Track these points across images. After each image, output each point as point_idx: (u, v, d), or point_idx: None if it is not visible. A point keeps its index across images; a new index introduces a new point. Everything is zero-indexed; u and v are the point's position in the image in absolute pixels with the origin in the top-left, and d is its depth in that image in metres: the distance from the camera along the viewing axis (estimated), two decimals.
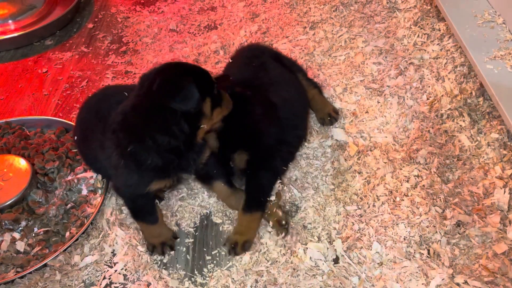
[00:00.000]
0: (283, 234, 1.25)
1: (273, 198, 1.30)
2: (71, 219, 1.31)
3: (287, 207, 1.34)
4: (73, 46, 2.01)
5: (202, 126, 1.12)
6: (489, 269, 1.14)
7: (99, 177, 1.40)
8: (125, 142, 1.09)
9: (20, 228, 1.29)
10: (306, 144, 1.50)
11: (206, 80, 1.13)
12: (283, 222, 1.26)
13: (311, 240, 1.24)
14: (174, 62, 1.23)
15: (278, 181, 1.34)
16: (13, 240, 1.27)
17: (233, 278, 1.19)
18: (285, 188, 1.38)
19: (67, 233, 1.28)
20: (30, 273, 1.19)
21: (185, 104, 1.06)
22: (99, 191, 1.38)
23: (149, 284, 1.18)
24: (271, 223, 1.27)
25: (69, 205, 1.34)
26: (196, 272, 1.22)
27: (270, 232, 1.28)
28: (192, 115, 1.09)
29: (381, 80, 1.68)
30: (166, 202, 1.37)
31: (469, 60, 1.61)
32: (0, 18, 2.11)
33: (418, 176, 1.36)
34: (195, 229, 1.31)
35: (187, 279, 1.20)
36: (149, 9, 2.20)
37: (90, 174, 1.40)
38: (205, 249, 1.26)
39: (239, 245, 1.22)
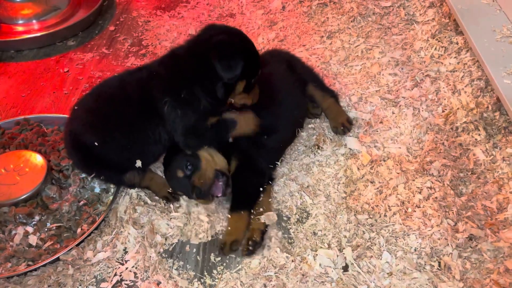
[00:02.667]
0: (245, 253, 1.25)
1: (263, 219, 1.30)
2: (83, 216, 1.33)
3: (297, 214, 1.34)
4: (94, 47, 2.05)
5: (229, 99, 1.27)
6: (500, 284, 1.13)
7: None
8: (177, 88, 1.23)
9: (34, 223, 1.32)
10: (319, 151, 1.51)
11: (253, 63, 1.25)
12: (250, 243, 1.25)
13: (321, 247, 1.24)
14: (238, 32, 1.28)
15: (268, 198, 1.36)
16: (26, 234, 1.29)
17: (241, 281, 1.19)
18: (296, 194, 1.39)
19: (79, 230, 1.30)
20: (44, 265, 1.21)
21: (225, 72, 1.19)
22: (112, 190, 1.40)
23: (159, 283, 1.19)
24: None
25: (81, 202, 1.36)
26: (205, 273, 1.22)
27: (277, 238, 1.29)
28: (227, 85, 1.22)
29: (397, 91, 1.68)
30: (180, 206, 1.38)
31: (486, 74, 1.61)
32: (25, 17, 2.17)
33: (431, 188, 1.36)
34: (207, 228, 1.32)
35: (196, 279, 1.21)
36: (169, 14, 2.24)
37: None
38: (215, 251, 1.27)
39: (227, 245, 1.25)
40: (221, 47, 1.20)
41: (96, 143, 1.27)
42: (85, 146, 1.28)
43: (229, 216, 1.30)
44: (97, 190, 1.40)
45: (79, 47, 2.06)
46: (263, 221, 1.29)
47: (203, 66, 1.20)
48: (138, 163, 1.31)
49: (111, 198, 1.37)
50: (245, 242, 1.26)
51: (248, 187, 1.34)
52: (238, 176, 1.33)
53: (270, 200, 1.37)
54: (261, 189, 1.34)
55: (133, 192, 1.39)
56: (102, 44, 2.07)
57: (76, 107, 1.34)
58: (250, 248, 1.25)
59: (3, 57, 2.01)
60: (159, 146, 1.32)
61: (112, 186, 1.41)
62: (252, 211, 1.31)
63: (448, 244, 1.23)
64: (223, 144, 1.34)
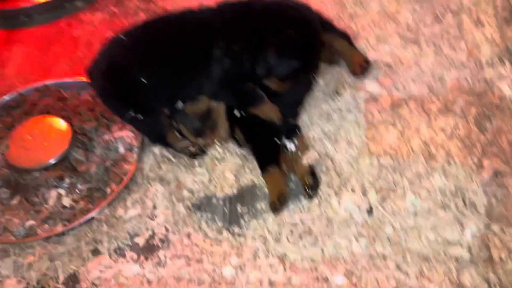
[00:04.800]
0: (308, 198, 1.27)
1: (304, 162, 1.30)
2: (111, 176, 1.37)
3: (320, 161, 1.34)
4: (102, 6, 2.01)
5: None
6: None
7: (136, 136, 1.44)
8: (233, 39, 1.23)
9: (65, 185, 1.36)
10: (338, 97, 1.48)
11: (306, 67, 1.25)
12: (306, 189, 1.27)
13: (345, 192, 1.26)
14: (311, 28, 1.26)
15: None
16: (59, 196, 1.34)
17: (268, 229, 1.23)
18: (317, 142, 1.38)
19: (108, 189, 1.34)
20: (80, 225, 1.27)
21: (276, 66, 1.20)
22: (136, 149, 1.42)
23: (189, 235, 1.24)
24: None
25: (108, 163, 1.40)
26: (233, 223, 1.26)
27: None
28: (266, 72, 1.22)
29: (417, 28, 1.62)
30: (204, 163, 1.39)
31: (510, 3, 1.52)
32: None
33: (454, 126, 1.34)
34: (233, 183, 1.34)
35: (225, 229, 1.25)
36: None
37: (126, 133, 1.44)
38: (241, 203, 1.30)
39: (275, 201, 1.25)
40: (284, 44, 1.18)
41: (143, 79, 1.26)
42: (129, 79, 1.28)
43: (263, 177, 1.31)
44: (122, 150, 1.43)
45: (87, 7, 2.02)
46: (305, 162, 1.30)
47: (261, 38, 1.18)
48: (180, 104, 1.31)
49: (136, 157, 1.40)
50: (302, 187, 1.28)
51: (263, 143, 1.33)
52: (250, 135, 1.34)
53: (304, 143, 1.36)
54: (277, 140, 1.32)
55: (157, 150, 1.41)
56: (109, 2, 2.03)
57: (123, 37, 1.33)
58: (309, 193, 1.27)
59: (14, 24, 2.00)
60: (199, 90, 1.31)
61: (136, 145, 1.43)
62: (279, 164, 1.30)
63: (472, 182, 1.22)
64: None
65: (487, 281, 1.05)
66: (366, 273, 1.11)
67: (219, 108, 1.31)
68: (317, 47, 1.30)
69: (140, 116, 1.31)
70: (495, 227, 1.13)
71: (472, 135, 1.31)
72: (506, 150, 1.27)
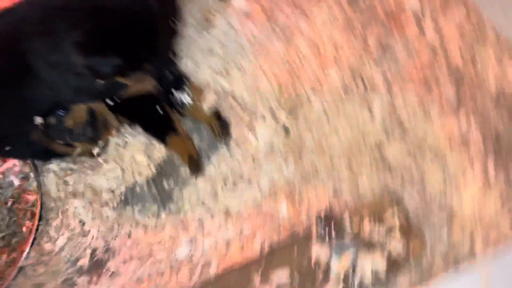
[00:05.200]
0: (220, 140, 1.23)
1: (205, 108, 1.24)
2: (19, 214, 1.24)
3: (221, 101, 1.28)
4: None
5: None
6: (422, 79, 1.20)
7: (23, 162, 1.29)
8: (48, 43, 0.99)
9: None
10: (211, 28, 1.38)
11: (135, 55, 0.99)
12: (215, 133, 1.23)
13: (257, 124, 1.24)
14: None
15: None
16: None
17: (202, 191, 1.20)
18: (211, 82, 1.31)
19: (24, 229, 1.22)
20: (14, 279, 1.17)
21: (96, 66, 0.97)
22: (32, 175, 1.28)
23: (130, 234, 1.19)
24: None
25: (9, 203, 1.25)
26: (167, 201, 1.22)
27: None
28: None
29: None
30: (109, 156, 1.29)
31: None
32: None
33: (331, 14, 1.31)
34: (148, 162, 1.27)
35: (161, 212, 1.21)
36: None
37: (12, 162, 1.28)
38: (165, 178, 1.25)
39: (189, 164, 1.22)
40: (90, 38, 0.94)
41: None
42: None
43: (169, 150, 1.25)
44: (17, 182, 1.28)
45: None
46: (206, 109, 1.24)
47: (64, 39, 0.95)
48: (38, 120, 1.14)
49: (35, 183, 1.26)
50: (212, 135, 1.24)
51: (149, 117, 1.22)
52: (134, 116, 1.22)
53: (197, 89, 1.27)
54: (158, 107, 1.20)
55: (54, 166, 1.28)
56: None
57: None
58: (219, 135, 1.23)
59: None
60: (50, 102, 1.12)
61: (29, 171, 1.28)
62: (175, 129, 1.21)
63: (365, 62, 1.24)
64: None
65: (409, 152, 1.13)
66: (306, 193, 1.14)
67: (99, 106, 1.16)
68: (142, 23, 0.99)
69: (7, 146, 1.15)
70: (397, 94, 1.18)
71: (350, 16, 1.30)
72: (382, 18, 1.28)
